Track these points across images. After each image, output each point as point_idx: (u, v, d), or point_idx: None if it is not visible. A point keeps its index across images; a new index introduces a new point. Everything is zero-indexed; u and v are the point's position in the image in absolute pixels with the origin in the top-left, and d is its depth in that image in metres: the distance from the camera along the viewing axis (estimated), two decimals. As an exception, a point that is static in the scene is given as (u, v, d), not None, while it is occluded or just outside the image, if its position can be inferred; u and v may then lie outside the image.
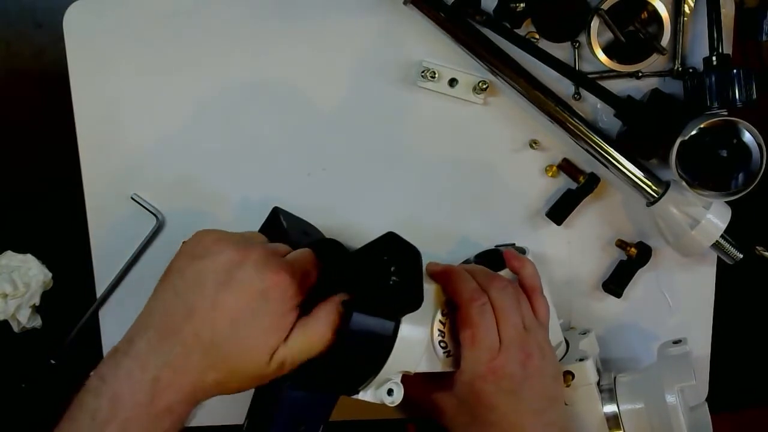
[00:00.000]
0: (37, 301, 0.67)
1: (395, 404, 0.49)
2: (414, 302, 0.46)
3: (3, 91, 0.65)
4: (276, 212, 0.55)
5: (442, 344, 0.52)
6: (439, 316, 0.52)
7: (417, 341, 0.50)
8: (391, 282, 0.45)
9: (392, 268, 0.45)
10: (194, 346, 0.44)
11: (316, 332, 0.46)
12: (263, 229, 0.55)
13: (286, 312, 0.46)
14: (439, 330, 0.52)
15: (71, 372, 0.69)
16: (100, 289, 0.67)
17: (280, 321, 0.45)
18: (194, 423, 0.69)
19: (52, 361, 0.68)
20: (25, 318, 0.66)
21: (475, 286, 0.53)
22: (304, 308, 0.47)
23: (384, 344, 0.47)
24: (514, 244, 0.65)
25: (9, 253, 0.67)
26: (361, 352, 0.46)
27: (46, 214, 0.67)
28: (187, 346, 0.44)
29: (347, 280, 0.48)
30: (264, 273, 0.45)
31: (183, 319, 0.45)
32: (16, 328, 0.67)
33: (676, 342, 0.62)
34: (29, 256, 0.67)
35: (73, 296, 0.68)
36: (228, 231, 0.49)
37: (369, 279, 0.46)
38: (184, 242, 0.49)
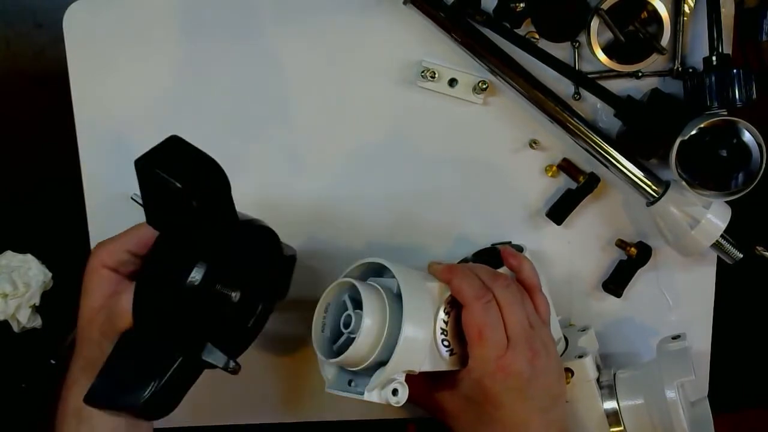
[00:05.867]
0: (37, 301, 0.67)
1: (400, 404, 0.49)
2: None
3: (3, 91, 0.65)
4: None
5: (445, 343, 0.52)
6: (441, 315, 0.52)
7: (420, 340, 0.50)
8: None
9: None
10: None
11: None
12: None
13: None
14: (441, 329, 0.52)
15: (71, 372, 0.69)
16: (100, 289, 0.67)
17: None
18: (194, 423, 0.69)
19: (52, 361, 0.68)
20: (25, 318, 0.66)
21: (480, 283, 0.53)
22: None
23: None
24: (510, 242, 0.65)
25: (9, 253, 0.67)
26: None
27: (46, 214, 0.67)
28: None
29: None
30: None
31: None
32: (16, 328, 0.67)
33: (675, 337, 0.62)
34: (29, 256, 0.67)
35: (73, 296, 0.68)
36: None
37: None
38: None
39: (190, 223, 0.45)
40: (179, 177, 0.43)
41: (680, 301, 0.68)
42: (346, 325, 0.51)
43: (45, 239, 0.68)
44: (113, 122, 0.64)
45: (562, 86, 0.63)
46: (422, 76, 0.63)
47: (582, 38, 0.62)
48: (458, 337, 0.53)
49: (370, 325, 0.49)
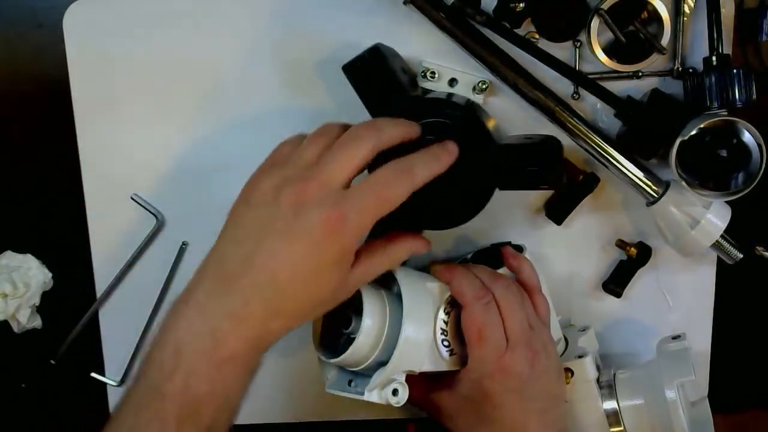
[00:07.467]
0: (37, 301, 0.67)
1: (400, 404, 0.49)
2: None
3: (3, 91, 0.65)
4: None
5: (445, 343, 0.52)
6: (441, 315, 0.52)
7: (421, 340, 0.50)
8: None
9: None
10: (253, 295, 0.44)
11: (379, 263, 0.49)
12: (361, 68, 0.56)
13: (345, 250, 0.45)
14: (441, 329, 0.52)
15: (71, 372, 0.69)
16: (100, 289, 0.67)
17: (341, 260, 0.45)
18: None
19: (52, 361, 0.68)
20: (25, 318, 0.66)
21: (480, 284, 0.53)
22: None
23: None
24: (510, 242, 0.65)
25: (9, 253, 0.67)
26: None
27: (46, 214, 0.67)
28: (245, 295, 0.44)
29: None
30: (320, 216, 0.44)
31: (240, 269, 0.44)
32: (16, 328, 0.67)
33: (675, 337, 0.62)
34: (29, 256, 0.67)
35: (73, 296, 0.68)
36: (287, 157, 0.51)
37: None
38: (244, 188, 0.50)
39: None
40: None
41: (680, 301, 0.68)
42: (346, 325, 0.51)
43: (45, 239, 0.68)
44: (113, 122, 0.64)
45: (562, 86, 0.63)
46: (422, 76, 0.63)
47: (582, 38, 0.62)
48: (458, 337, 0.53)
49: (370, 325, 0.49)
